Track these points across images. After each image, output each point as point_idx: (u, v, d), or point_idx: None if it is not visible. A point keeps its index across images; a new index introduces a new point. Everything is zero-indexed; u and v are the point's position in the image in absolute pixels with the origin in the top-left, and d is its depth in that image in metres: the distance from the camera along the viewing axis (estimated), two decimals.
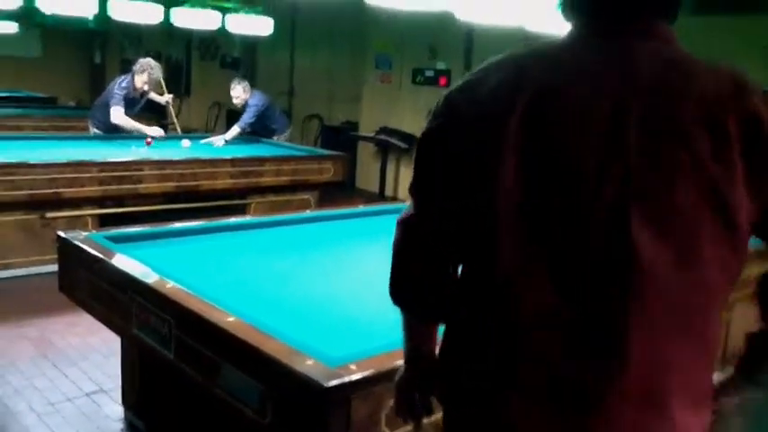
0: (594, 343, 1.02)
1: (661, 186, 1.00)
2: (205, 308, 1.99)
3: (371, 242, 3.11)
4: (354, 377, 1.64)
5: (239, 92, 6.26)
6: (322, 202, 6.09)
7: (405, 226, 1.26)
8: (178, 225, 2.93)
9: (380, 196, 8.11)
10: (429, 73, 7.94)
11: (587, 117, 1.03)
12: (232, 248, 2.81)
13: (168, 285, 2.14)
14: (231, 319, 1.91)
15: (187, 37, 11.30)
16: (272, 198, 5.68)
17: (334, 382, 1.59)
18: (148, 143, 5.77)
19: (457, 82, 1.17)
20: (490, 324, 1.11)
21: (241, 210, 5.44)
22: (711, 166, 0.99)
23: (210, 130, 10.02)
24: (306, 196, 5.94)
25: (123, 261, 2.37)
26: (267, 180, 5.51)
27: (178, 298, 2.05)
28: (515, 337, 1.08)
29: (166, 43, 11.69)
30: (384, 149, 8.17)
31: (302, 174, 5.77)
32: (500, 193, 1.05)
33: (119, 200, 4.72)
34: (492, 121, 1.07)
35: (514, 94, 1.06)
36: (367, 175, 8.64)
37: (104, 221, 4.52)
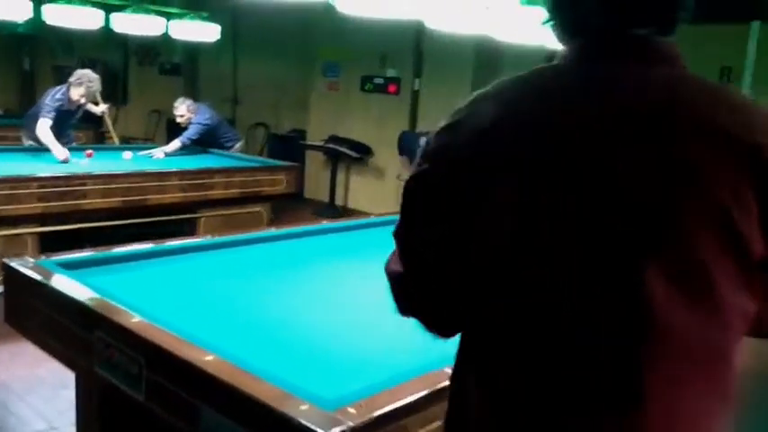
0: (609, 397, 0.93)
1: (676, 234, 0.90)
2: (179, 345, 1.81)
3: (346, 261, 2.98)
4: (357, 422, 1.50)
5: (183, 110, 6.07)
6: (274, 215, 5.91)
7: (391, 275, 1.14)
8: (135, 248, 2.72)
9: (331, 206, 7.97)
10: (378, 80, 7.86)
11: (592, 162, 0.92)
12: (196, 272, 2.63)
13: (135, 320, 1.95)
14: (210, 357, 1.75)
15: (123, 42, 10.88)
16: (222, 211, 5.46)
17: (336, 431, 1.45)
18: (89, 155, 5.48)
19: (449, 117, 1.05)
20: (491, 378, 1.02)
21: (191, 224, 5.22)
22: (729, 208, 0.89)
23: (150, 140, 9.66)
24: (258, 209, 5.75)
25: (81, 292, 2.16)
26: (217, 193, 5.30)
27: (148, 334, 1.87)
28: (522, 392, 0.98)
29: (101, 49, 11.23)
30: (334, 158, 8.03)
31: (254, 186, 5.58)
32: (496, 247, 0.96)
33: (61, 217, 4.43)
34: (482, 167, 0.97)
35: (508, 135, 0.96)
36: (316, 185, 8.48)
37: (45, 240, 4.23)
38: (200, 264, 2.72)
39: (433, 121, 7.18)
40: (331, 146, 7.88)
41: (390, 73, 7.77)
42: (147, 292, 2.29)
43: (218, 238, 2.98)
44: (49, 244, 4.05)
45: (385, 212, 4.68)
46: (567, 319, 0.94)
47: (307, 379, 1.69)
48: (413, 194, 1.07)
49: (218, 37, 6.03)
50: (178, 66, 10.55)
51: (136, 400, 1.91)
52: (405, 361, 1.83)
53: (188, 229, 5.16)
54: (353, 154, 7.78)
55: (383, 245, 3.34)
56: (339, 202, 8.22)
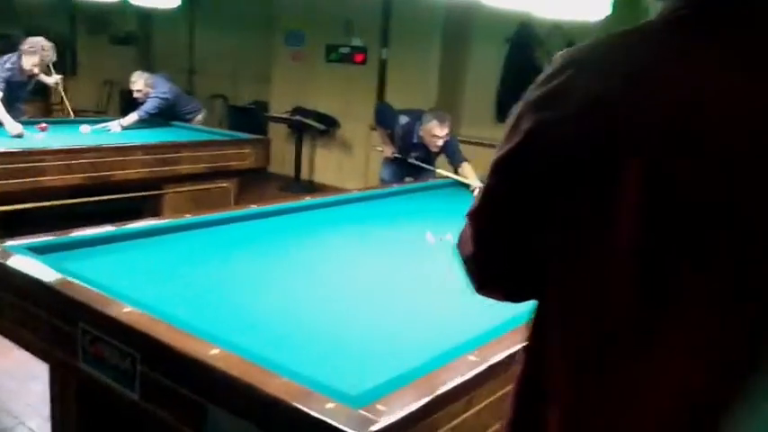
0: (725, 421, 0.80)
1: None
2: (180, 338, 1.64)
3: (338, 239, 2.83)
4: (389, 420, 1.36)
5: (140, 85, 5.79)
6: (241, 191, 5.69)
7: (464, 256, 1.00)
8: (113, 229, 2.51)
9: (296, 181, 7.76)
10: (344, 50, 7.62)
11: (750, 143, 0.76)
12: (181, 254, 2.44)
13: (126, 310, 1.77)
14: (215, 351, 1.58)
15: (71, 10, 10.35)
16: (189, 187, 5.21)
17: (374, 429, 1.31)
18: (42, 129, 5.15)
19: (538, 84, 0.89)
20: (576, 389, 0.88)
21: (156, 201, 4.97)
22: None
23: (102, 113, 9.24)
24: (225, 184, 5.51)
25: (59, 279, 1.96)
26: (184, 168, 5.05)
27: (143, 326, 1.69)
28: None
29: (47, 17, 10.64)
30: (299, 131, 7.79)
31: (221, 160, 5.34)
32: (614, 251, 0.82)
33: (16, 196, 4.14)
34: (600, 147, 0.81)
35: (622, 112, 0.81)
36: (281, 159, 8.22)
37: (1, 222, 3.95)
38: (184, 245, 2.53)
39: (401, 92, 7.04)
40: (296, 118, 7.63)
41: (356, 42, 7.53)
42: (133, 279, 2.10)
43: (198, 217, 2.79)
44: (6, 226, 3.77)
45: (364, 187, 4.54)
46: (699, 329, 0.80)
47: (325, 373, 1.55)
48: (503, 176, 0.92)
49: (179, 3, 5.73)
50: (131, 35, 10.08)
51: (122, 397, 1.74)
52: (425, 347, 1.71)
53: (153, 206, 4.92)
54: (320, 126, 7.56)
55: (372, 219, 3.19)
56: (305, 176, 8.01)
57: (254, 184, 6.56)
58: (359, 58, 7.52)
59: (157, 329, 1.67)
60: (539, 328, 0.95)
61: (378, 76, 7.44)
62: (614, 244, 0.83)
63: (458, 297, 2.19)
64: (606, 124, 0.82)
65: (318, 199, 3.43)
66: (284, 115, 7.78)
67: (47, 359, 2.14)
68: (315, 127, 7.55)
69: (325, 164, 8.06)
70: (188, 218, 2.77)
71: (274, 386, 1.44)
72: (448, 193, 4.14)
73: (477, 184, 4.18)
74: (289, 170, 7.86)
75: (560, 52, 0.91)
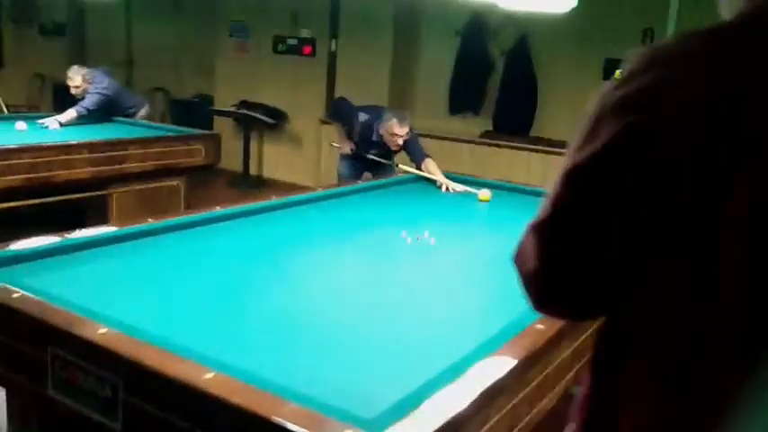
0: None
1: None
2: (168, 361, 1.48)
3: (321, 240, 2.69)
4: None
5: (78, 81, 5.50)
6: (192, 189, 5.46)
7: (524, 272, 0.90)
8: (75, 236, 2.30)
9: (245, 176, 7.54)
10: (292, 41, 7.42)
11: None
12: (150, 264, 2.26)
13: (103, 331, 1.59)
14: (210, 375, 1.43)
15: None
16: (136, 187, 4.96)
17: None
18: None
19: (619, 83, 0.79)
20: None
21: (101, 203, 4.69)
22: None
23: (35, 108, 8.75)
24: (174, 183, 5.27)
25: (22, 298, 1.76)
26: (132, 166, 4.79)
27: (124, 349, 1.53)
28: None
29: None
30: (246, 126, 7.56)
31: (170, 157, 5.09)
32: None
33: None
34: (710, 154, 0.73)
35: (725, 120, 0.73)
36: (227, 154, 7.95)
37: None
38: (150, 254, 2.35)
39: (352, 85, 6.90)
40: (243, 111, 7.40)
41: (305, 33, 7.35)
42: (101, 294, 1.91)
43: (166, 221, 2.60)
44: None
45: (330, 185, 4.43)
46: None
47: (334, 394, 1.42)
48: (581, 186, 0.81)
49: None
50: (62, 25, 9.59)
51: (91, 421, 1.57)
52: (433, 357, 1.60)
53: (99, 207, 4.65)
54: (269, 120, 7.34)
55: (343, 219, 3.03)
56: (253, 171, 7.78)
57: (203, 180, 6.33)
58: (307, 50, 7.33)
59: (141, 352, 1.51)
60: (613, 346, 0.87)
61: (327, 68, 7.28)
62: (717, 266, 0.74)
63: (455, 300, 2.12)
64: (707, 132, 0.73)
65: (285, 198, 3.27)
66: (231, 109, 7.53)
67: (4, 384, 1.94)
68: (264, 121, 7.34)
69: (274, 159, 7.85)
70: (150, 223, 2.58)
71: (284, 414, 1.31)
72: (412, 189, 4.04)
73: (442, 179, 4.10)
74: (236, 166, 7.61)
75: (638, 50, 0.82)
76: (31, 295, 1.76)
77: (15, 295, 1.76)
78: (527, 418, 1.76)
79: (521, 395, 1.68)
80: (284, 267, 2.34)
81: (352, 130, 4.61)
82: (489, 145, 6.39)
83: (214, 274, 2.21)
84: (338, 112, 4.77)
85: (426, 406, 1.37)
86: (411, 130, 4.36)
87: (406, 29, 6.88)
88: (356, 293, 2.13)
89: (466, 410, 1.40)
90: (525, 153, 6.24)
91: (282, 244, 2.63)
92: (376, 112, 4.52)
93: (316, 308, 1.98)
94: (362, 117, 4.54)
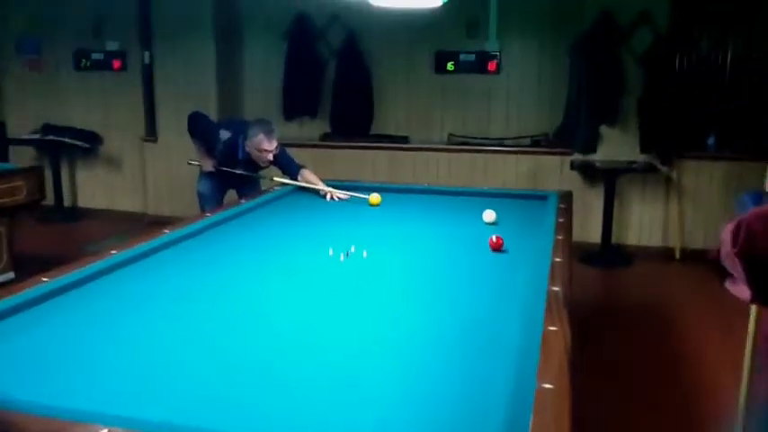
0: None
1: None
2: None
3: (243, 270, 2.37)
4: None
5: None
6: (17, 231, 4.70)
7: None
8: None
9: (58, 209, 6.71)
10: (97, 56, 6.71)
11: None
12: (80, 323, 1.83)
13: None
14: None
15: None
16: None
17: None
18: None
19: None
20: None
21: None
22: None
23: None
24: None
25: None
26: None
27: None
28: None
29: None
30: (54, 153, 6.70)
31: None
32: None
33: None
34: None
35: None
36: None
37: None
38: (77, 310, 1.91)
39: (175, 96, 6.38)
40: (50, 138, 6.54)
41: (111, 46, 6.66)
42: (54, 377, 1.50)
43: (66, 276, 2.14)
44: None
45: (206, 213, 4.06)
46: None
47: None
48: None
49: None
50: None
51: None
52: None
53: None
54: (82, 144, 6.57)
55: (249, 245, 2.66)
56: (67, 203, 6.94)
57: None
58: (116, 64, 6.66)
59: None
60: None
61: (143, 82, 6.67)
62: None
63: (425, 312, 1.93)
64: None
65: (176, 231, 2.88)
66: (34, 136, 6.62)
67: None
68: (76, 145, 6.55)
69: (90, 186, 7.06)
70: (45, 282, 2.11)
71: None
72: (297, 202, 3.80)
73: (324, 188, 3.90)
74: (48, 199, 6.72)
75: None
76: None
77: None
78: None
79: None
80: (216, 310, 2.03)
81: (214, 149, 4.23)
82: (331, 147, 6.27)
83: (149, 328, 1.85)
84: (195, 128, 4.33)
85: None
86: (278, 142, 4.11)
87: (227, 34, 6.50)
88: (317, 330, 1.88)
89: None
90: (370, 152, 6.21)
91: (198, 284, 2.29)
92: (238, 128, 4.19)
93: (269, 361, 1.70)
94: (224, 135, 4.18)
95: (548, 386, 1.42)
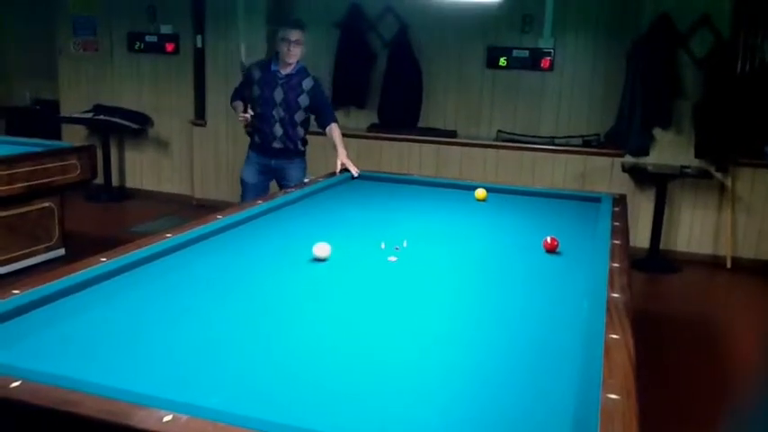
0: None
1: None
2: None
3: (289, 264, 2.36)
4: None
5: None
6: (66, 208, 4.79)
7: None
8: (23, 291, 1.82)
9: (107, 188, 6.82)
10: (151, 39, 6.78)
11: None
12: (141, 304, 1.85)
13: (167, 419, 1.23)
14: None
15: None
16: (2, 213, 4.25)
17: None
18: None
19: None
20: None
21: None
22: None
23: None
24: (46, 204, 4.60)
25: (38, 392, 1.33)
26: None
27: None
28: None
29: None
30: (103, 133, 6.81)
31: (41, 176, 4.41)
32: None
33: None
34: None
35: None
36: None
37: None
38: (139, 289, 1.93)
39: (224, 82, 6.40)
40: (101, 117, 6.65)
41: (165, 29, 6.73)
42: (113, 358, 1.51)
43: (125, 257, 2.16)
44: None
45: (259, 200, 4.07)
46: None
47: None
48: None
49: None
50: None
51: None
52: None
53: None
54: (132, 125, 6.66)
55: (297, 237, 2.65)
56: (115, 182, 7.05)
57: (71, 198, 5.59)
58: (169, 47, 6.73)
59: None
60: None
61: (194, 66, 6.73)
62: None
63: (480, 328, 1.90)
64: None
65: (230, 216, 2.89)
66: (85, 115, 6.74)
67: None
68: (127, 126, 6.65)
69: (138, 167, 7.16)
70: (104, 262, 2.13)
71: None
72: (345, 190, 3.78)
73: (342, 150, 3.98)
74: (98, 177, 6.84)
75: None
76: (40, 384, 1.33)
77: (15, 384, 1.33)
78: None
79: None
80: (263, 301, 2.02)
81: (251, 102, 4.17)
82: (378, 138, 6.24)
83: (222, 323, 1.85)
84: (233, 94, 4.34)
85: None
86: (303, 44, 4.06)
87: (280, 20, 6.50)
88: (371, 326, 1.87)
89: None
90: (416, 145, 6.17)
91: (249, 270, 2.29)
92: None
93: (317, 349, 1.70)
94: (256, 73, 4.16)
95: (614, 396, 1.38)
